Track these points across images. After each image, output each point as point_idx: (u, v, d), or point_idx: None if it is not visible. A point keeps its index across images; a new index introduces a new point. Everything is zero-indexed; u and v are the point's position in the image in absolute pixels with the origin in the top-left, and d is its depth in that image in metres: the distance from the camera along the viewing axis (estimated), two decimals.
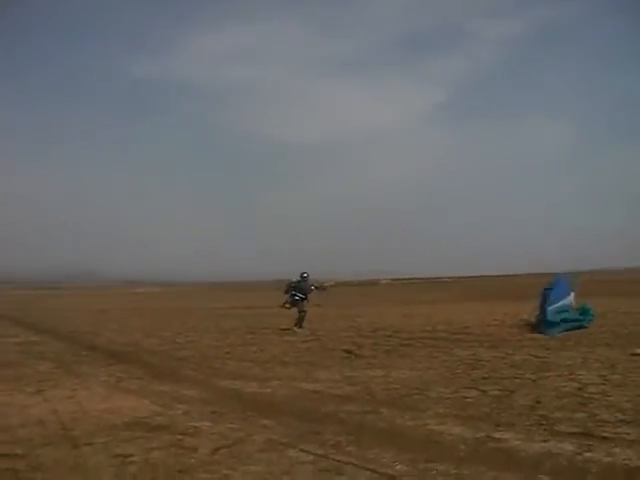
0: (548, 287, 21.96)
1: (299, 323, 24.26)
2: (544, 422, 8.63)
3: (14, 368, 16.08)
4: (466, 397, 10.68)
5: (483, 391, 11.13)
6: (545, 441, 7.71)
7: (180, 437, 8.50)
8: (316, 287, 25.20)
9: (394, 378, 12.88)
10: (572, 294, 22.17)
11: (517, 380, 12.07)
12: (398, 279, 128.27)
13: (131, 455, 7.71)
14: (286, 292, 24.99)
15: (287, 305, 24.95)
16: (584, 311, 21.33)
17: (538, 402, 9.96)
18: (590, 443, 7.52)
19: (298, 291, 24.57)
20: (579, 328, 20.05)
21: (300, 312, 24.42)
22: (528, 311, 29.64)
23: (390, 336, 21.09)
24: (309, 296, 24.74)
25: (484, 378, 12.46)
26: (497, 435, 8.05)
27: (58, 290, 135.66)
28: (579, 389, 10.90)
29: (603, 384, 11.26)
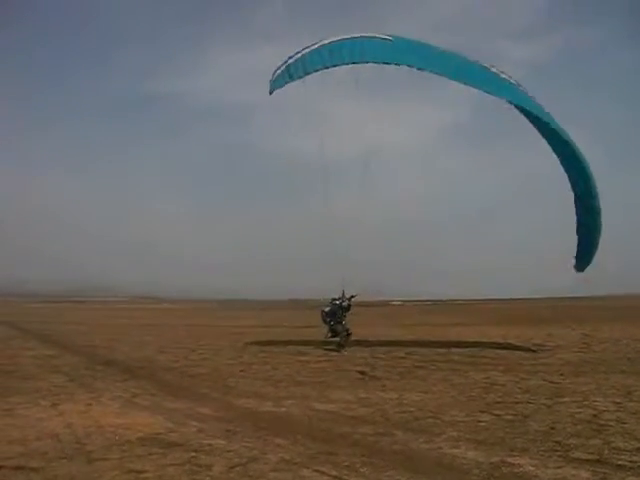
0: None
1: (344, 343, 23.99)
2: (559, 448, 8.62)
3: (30, 381, 16.23)
4: (480, 421, 10.67)
5: (497, 415, 11.12)
6: (559, 467, 7.71)
7: (194, 454, 8.57)
8: (349, 303, 24.68)
9: (408, 400, 12.88)
10: None
11: (531, 405, 12.04)
12: (409, 300, 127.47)
13: (145, 471, 7.80)
14: (325, 322, 24.84)
15: (329, 335, 24.66)
16: None
17: (553, 428, 9.94)
18: (605, 471, 7.51)
19: (335, 316, 24.42)
20: None
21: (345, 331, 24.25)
22: (540, 335, 29.57)
23: (403, 358, 21.04)
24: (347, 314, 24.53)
25: (498, 402, 12.44)
26: (511, 460, 8.06)
27: (74, 304, 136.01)
28: (594, 416, 10.86)
29: (618, 411, 11.22)
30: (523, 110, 20.53)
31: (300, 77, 19.08)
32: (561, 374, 16.30)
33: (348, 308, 24.70)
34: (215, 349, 25.63)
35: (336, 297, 24.75)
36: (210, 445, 9.10)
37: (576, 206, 21.67)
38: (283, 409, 12.16)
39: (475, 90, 19.85)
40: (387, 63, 19.08)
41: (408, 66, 18.84)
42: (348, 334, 24.41)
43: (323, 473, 7.60)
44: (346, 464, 8.00)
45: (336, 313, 24.58)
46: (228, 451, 8.72)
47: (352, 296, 24.74)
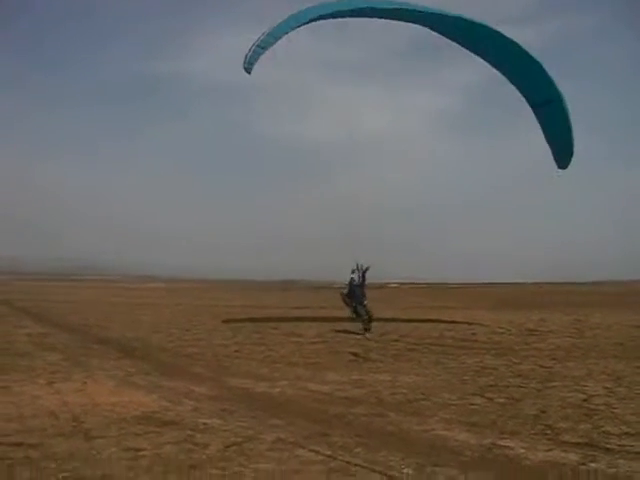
0: None
1: (367, 326, 23.25)
2: (549, 431, 8.75)
3: (25, 359, 16.31)
4: (472, 404, 10.80)
5: (489, 399, 11.25)
6: (550, 450, 7.82)
7: (191, 433, 8.66)
8: (364, 276, 24.08)
9: (401, 382, 13.01)
10: None
11: (523, 389, 12.18)
12: (405, 283, 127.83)
13: (143, 449, 7.87)
14: (346, 304, 24.15)
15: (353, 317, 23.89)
16: None
17: (543, 412, 10.07)
18: (594, 454, 7.64)
19: (355, 296, 23.74)
20: None
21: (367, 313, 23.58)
22: (534, 320, 29.79)
23: (397, 340, 21.19)
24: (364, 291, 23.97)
25: (490, 386, 12.58)
26: (502, 443, 8.18)
27: (68, 282, 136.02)
28: (584, 400, 11.00)
29: (608, 396, 11.35)
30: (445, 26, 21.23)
31: (271, 43, 19.25)
32: (553, 359, 16.46)
33: (362, 284, 24.00)
34: (209, 329, 25.77)
35: (352, 274, 24.08)
36: (206, 424, 9.19)
37: (536, 112, 22.46)
38: (277, 389, 12.27)
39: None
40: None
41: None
42: (370, 319, 23.50)
43: (318, 453, 7.70)
44: (340, 444, 8.10)
45: (355, 293, 23.84)
46: (224, 430, 8.81)
47: (367, 268, 24.07)
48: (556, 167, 24.00)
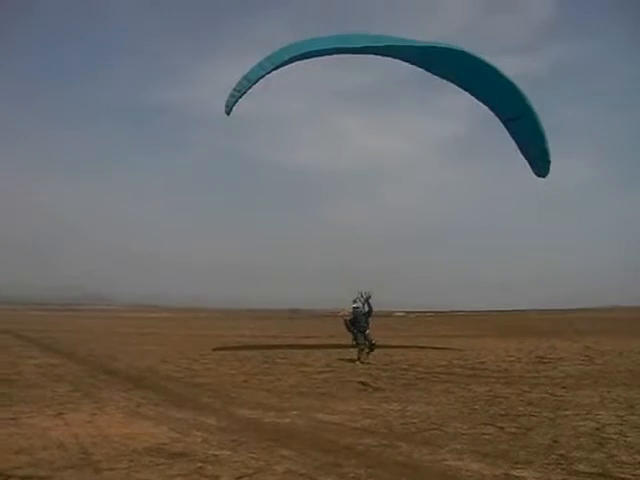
0: None
1: (360, 355, 23.48)
2: (562, 461, 8.66)
3: (34, 390, 16.23)
4: (483, 434, 10.72)
5: (500, 428, 11.16)
6: None
7: (201, 465, 8.61)
8: (369, 304, 24.30)
9: (411, 412, 12.94)
10: None
11: (534, 418, 12.09)
12: (412, 312, 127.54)
13: None
14: (349, 330, 24.22)
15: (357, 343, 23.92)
16: None
17: (556, 441, 9.99)
18: None
19: (358, 324, 23.86)
20: None
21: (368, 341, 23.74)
22: (543, 347, 29.63)
23: (406, 370, 21.10)
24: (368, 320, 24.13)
25: (501, 415, 12.49)
26: (515, 473, 8.11)
27: (74, 312, 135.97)
28: (597, 429, 10.90)
29: (621, 424, 11.26)
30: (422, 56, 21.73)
31: (247, 87, 19.79)
32: (563, 387, 16.35)
33: (368, 312, 24.17)
34: (217, 359, 25.68)
35: (355, 303, 24.26)
36: (216, 456, 9.14)
37: (507, 126, 22.72)
38: (287, 420, 12.21)
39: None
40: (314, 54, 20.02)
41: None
42: (372, 346, 23.67)
43: None
44: (351, 475, 8.05)
45: (358, 321, 23.96)
46: (234, 462, 8.76)
47: (368, 297, 24.29)
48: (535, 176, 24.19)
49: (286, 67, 20.52)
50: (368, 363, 22.84)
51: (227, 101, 19.82)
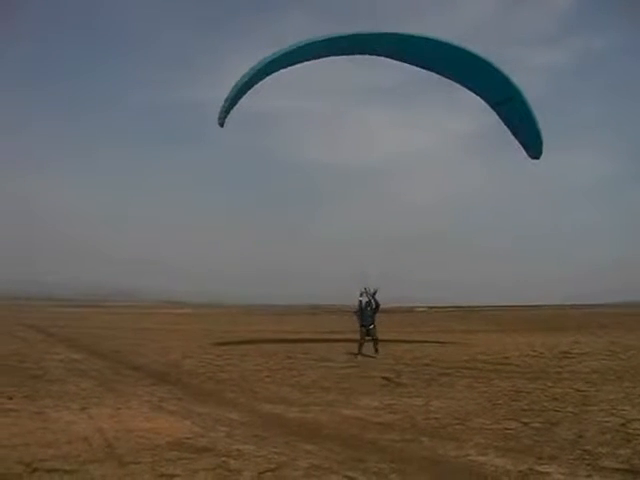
0: None
1: (360, 349, 23.58)
2: (587, 457, 8.59)
3: (58, 385, 16.44)
4: (507, 428, 10.66)
5: (524, 423, 11.09)
6: (589, 476, 7.69)
7: (224, 459, 8.66)
8: (375, 299, 24.22)
9: (434, 407, 12.89)
10: None
11: (558, 413, 11.99)
12: (434, 307, 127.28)
13: (177, 475, 7.90)
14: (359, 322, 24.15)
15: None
16: None
17: (580, 436, 9.90)
18: None
19: (366, 319, 23.84)
20: None
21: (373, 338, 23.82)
22: (566, 342, 29.36)
23: (428, 365, 21.02)
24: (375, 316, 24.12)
25: (525, 410, 12.40)
26: (540, 468, 8.06)
27: (99, 308, 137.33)
28: (622, 425, 10.78)
29: None
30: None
31: (239, 97, 19.66)
32: (588, 382, 16.19)
33: (375, 308, 24.10)
34: (240, 354, 25.78)
35: (360, 297, 24.25)
36: (239, 450, 9.18)
37: (497, 111, 22.52)
38: (310, 415, 12.24)
39: None
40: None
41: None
42: (374, 340, 23.75)
43: (352, 479, 7.66)
44: (375, 470, 8.05)
45: (363, 315, 23.99)
46: (257, 456, 8.80)
47: (375, 291, 24.26)
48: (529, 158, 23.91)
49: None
50: (369, 356, 23.03)
51: (219, 112, 19.68)
